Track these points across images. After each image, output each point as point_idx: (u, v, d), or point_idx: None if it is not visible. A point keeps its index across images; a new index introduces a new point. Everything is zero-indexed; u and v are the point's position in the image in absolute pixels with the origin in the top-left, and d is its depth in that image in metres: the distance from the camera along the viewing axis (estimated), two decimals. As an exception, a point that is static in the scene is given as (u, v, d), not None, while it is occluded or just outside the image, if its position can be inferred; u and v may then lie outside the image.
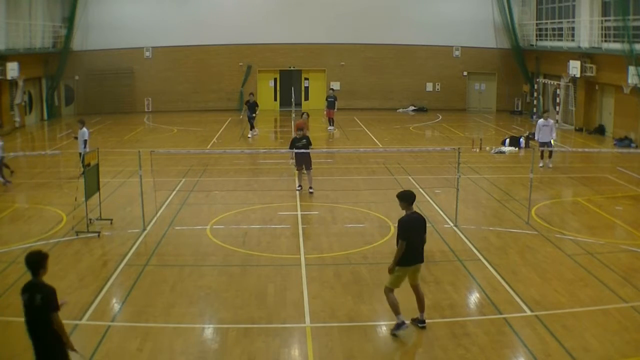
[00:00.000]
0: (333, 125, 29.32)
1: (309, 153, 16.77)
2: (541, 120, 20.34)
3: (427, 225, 9.26)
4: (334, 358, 8.42)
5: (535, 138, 20.60)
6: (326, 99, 29.99)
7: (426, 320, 9.17)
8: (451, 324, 9.31)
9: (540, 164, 20.10)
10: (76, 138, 18.83)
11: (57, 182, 18.37)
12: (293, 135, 19.17)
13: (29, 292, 6.87)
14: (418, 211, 9.40)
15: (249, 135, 26.74)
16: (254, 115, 26.55)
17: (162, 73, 35.75)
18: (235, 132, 28.01)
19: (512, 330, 9.09)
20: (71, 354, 7.13)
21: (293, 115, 29.31)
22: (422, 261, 9.13)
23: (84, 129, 18.65)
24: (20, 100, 29.37)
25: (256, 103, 27.01)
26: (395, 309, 8.90)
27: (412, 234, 8.91)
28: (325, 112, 29.56)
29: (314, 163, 17.44)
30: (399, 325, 8.87)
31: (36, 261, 6.93)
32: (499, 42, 35.95)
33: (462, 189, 14.91)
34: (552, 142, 20.21)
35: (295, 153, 16.60)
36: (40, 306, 6.79)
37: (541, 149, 19.76)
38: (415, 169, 20.20)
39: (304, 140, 16.79)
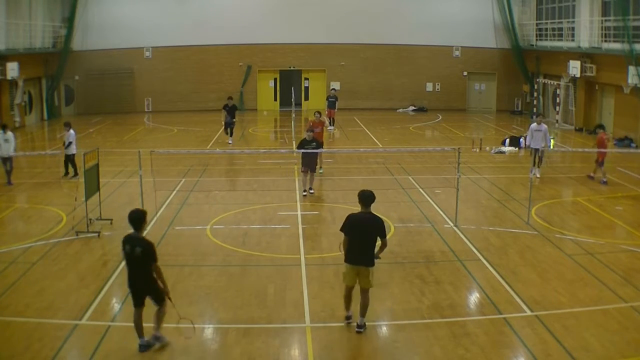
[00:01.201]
0: (333, 125, 29.32)
1: (316, 156, 16.56)
2: (533, 125, 18.90)
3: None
4: (334, 358, 8.43)
5: (527, 143, 19.16)
6: (327, 99, 29.99)
7: (364, 326, 9.03)
8: (451, 324, 9.31)
9: (538, 175, 18.56)
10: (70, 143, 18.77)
11: (57, 182, 18.37)
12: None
13: (130, 244, 8.29)
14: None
15: (229, 142, 24.87)
16: (234, 120, 24.91)
17: (162, 73, 35.75)
18: (235, 132, 27.94)
19: (512, 330, 9.09)
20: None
21: (293, 115, 29.33)
22: (367, 265, 8.89)
23: (71, 131, 18.64)
24: (20, 100, 29.38)
25: (236, 107, 25.40)
26: (345, 303, 9.24)
27: (354, 231, 8.91)
28: (326, 112, 29.55)
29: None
30: (345, 317, 9.27)
31: (138, 218, 8.39)
32: (499, 42, 35.97)
33: (462, 189, 14.91)
34: (550, 147, 19.01)
35: (303, 155, 16.31)
36: (140, 256, 8.20)
37: (533, 156, 18.25)
38: (415, 169, 20.20)
39: (314, 144, 16.42)
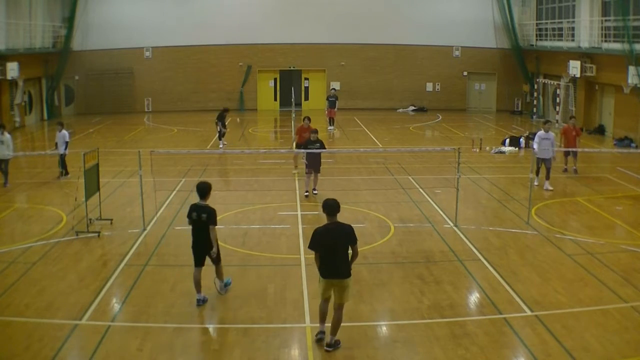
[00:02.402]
0: (333, 125, 29.31)
1: (320, 157, 16.43)
2: (541, 132, 17.53)
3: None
4: (334, 358, 8.42)
5: (534, 152, 17.01)
6: (327, 99, 29.98)
7: (337, 344, 8.50)
8: (451, 324, 9.30)
9: (536, 182, 17.21)
10: (57, 144, 18.70)
11: (57, 182, 18.37)
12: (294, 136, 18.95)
13: (197, 212, 9.82)
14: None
15: (224, 144, 24.66)
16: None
17: (162, 73, 35.76)
18: (235, 132, 27.98)
19: (512, 330, 9.09)
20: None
21: (293, 115, 29.33)
22: (342, 277, 8.46)
23: (64, 131, 18.68)
24: (20, 100, 29.38)
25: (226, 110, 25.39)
26: (320, 317, 8.71)
27: (323, 245, 8.46)
28: (326, 112, 29.57)
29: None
30: (318, 332, 8.75)
31: (204, 188, 9.99)
32: (499, 42, 35.96)
33: (462, 189, 14.91)
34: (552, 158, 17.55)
35: (308, 156, 16.20)
36: (206, 221, 9.73)
37: (538, 165, 17.23)
38: (415, 169, 20.20)
39: (318, 145, 16.27)
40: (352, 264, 8.64)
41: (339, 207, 8.63)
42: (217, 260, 10.09)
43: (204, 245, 9.87)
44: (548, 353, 8.41)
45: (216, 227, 9.88)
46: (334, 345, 8.49)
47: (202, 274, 10.03)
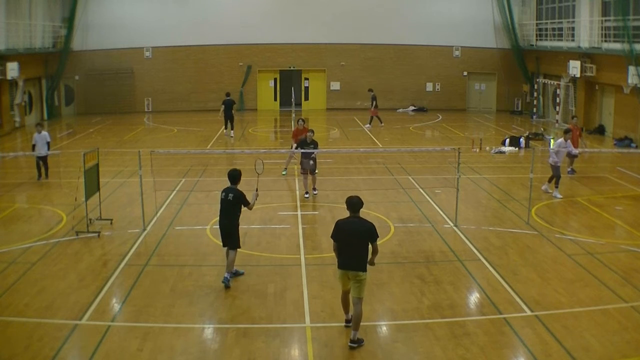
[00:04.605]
0: (370, 124, 29.74)
1: (314, 159, 16.48)
2: (560, 140, 17.15)
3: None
4: (334, 358, 8.42)
5: (550, 161, 16.80)
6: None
7: (360, 342, 8.62)
8: (451, 324, 9.31)
9: (558, 195, 16.74)
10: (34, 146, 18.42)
11: (57, 182, 18.36)
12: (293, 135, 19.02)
13: (226, 192, 10.79)
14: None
15: (232, 135, 26.96)
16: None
17: (162, 73, 35.76)
18: (235, 132, 27.95)
19: (512, 330, 9.09)
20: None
21: (293, 115, 29.33)
22: (355, 269, 8.63)
23: (44, 132, 18.63)
24: (20, 100, 29.37)
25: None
26: (342, 307, 9.19)
27: (340, 237, 8.78)
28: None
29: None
30: (345, 321, 9.20)
31: (234, 175, 10.88)
32: (499, 42, 35.95)
33: (462, 189, 14.91)
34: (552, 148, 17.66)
35: (302, 158, 16.26)
36: (231, 201, 10.69)
37: (557, 175, 16.77)
38: (415, 169, 20.20)
39: (312, 146, 16.33)
40: (373, 259, 8.89)
41: (361, 204, 8.89)
42: (234, 247, 10.79)
43: (224, 225, 10.79)
44: (548, 353, 8.41)
45: (249, 205, 10.91)
46: (357, 342, 8.63)
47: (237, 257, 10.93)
